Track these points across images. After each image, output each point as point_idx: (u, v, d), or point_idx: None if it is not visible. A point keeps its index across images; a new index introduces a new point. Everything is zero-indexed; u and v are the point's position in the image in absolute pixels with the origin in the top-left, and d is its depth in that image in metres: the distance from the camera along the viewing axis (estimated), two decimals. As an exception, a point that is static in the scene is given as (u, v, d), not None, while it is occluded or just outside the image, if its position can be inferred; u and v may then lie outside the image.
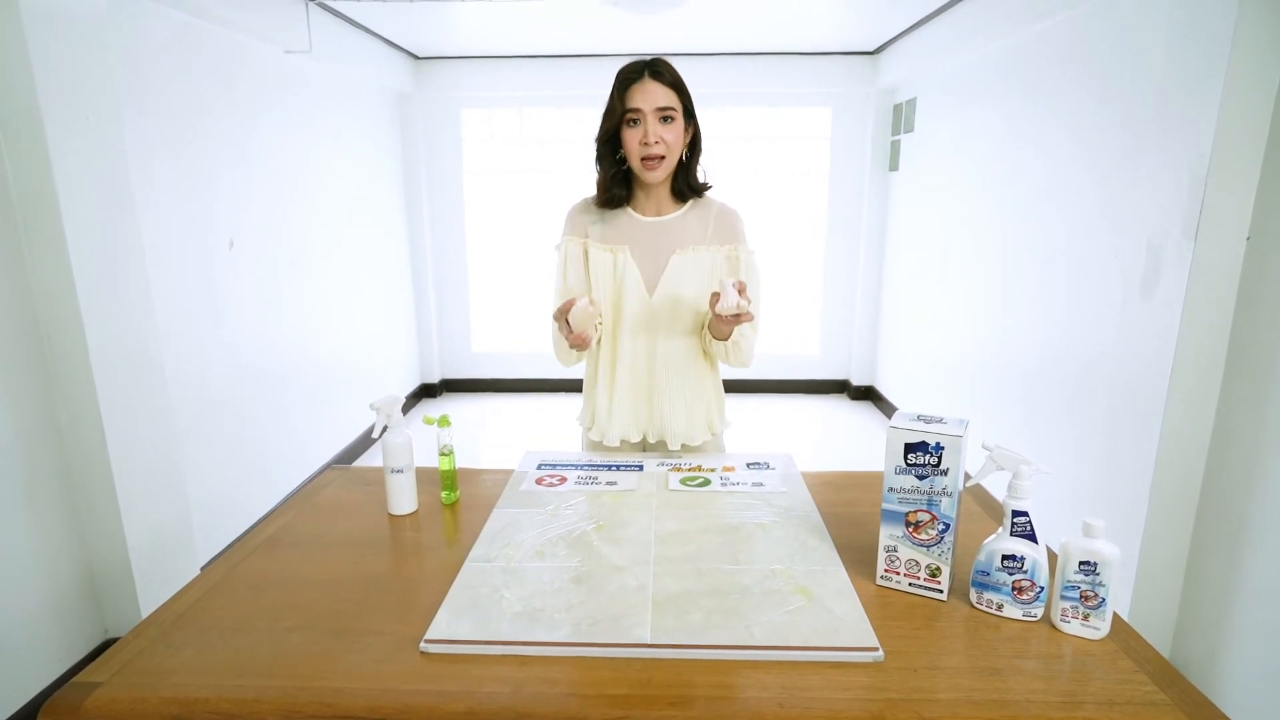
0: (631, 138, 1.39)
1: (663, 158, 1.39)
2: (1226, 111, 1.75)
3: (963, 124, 3.53)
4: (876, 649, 0.90)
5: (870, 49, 4.38)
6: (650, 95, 1.36)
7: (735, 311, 1.29)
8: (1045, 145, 2.76)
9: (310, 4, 3.11)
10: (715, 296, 1.33)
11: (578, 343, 1.38)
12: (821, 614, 0.97)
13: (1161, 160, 1.95)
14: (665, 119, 1.38)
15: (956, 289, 3.61)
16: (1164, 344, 1.92)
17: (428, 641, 0.92)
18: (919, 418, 1.01)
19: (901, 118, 4.39)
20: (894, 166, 4.53)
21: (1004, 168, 3.10)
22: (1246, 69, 1.72)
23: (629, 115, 1.38)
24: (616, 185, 1.46)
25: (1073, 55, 2.57)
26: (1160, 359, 1.93)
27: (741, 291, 1.29)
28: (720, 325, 1.38)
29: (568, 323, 1.33)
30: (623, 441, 1.55)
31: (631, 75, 1.38)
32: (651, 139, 1.37)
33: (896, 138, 4.48)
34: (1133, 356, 2.07)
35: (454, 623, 0.95)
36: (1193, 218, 1.83)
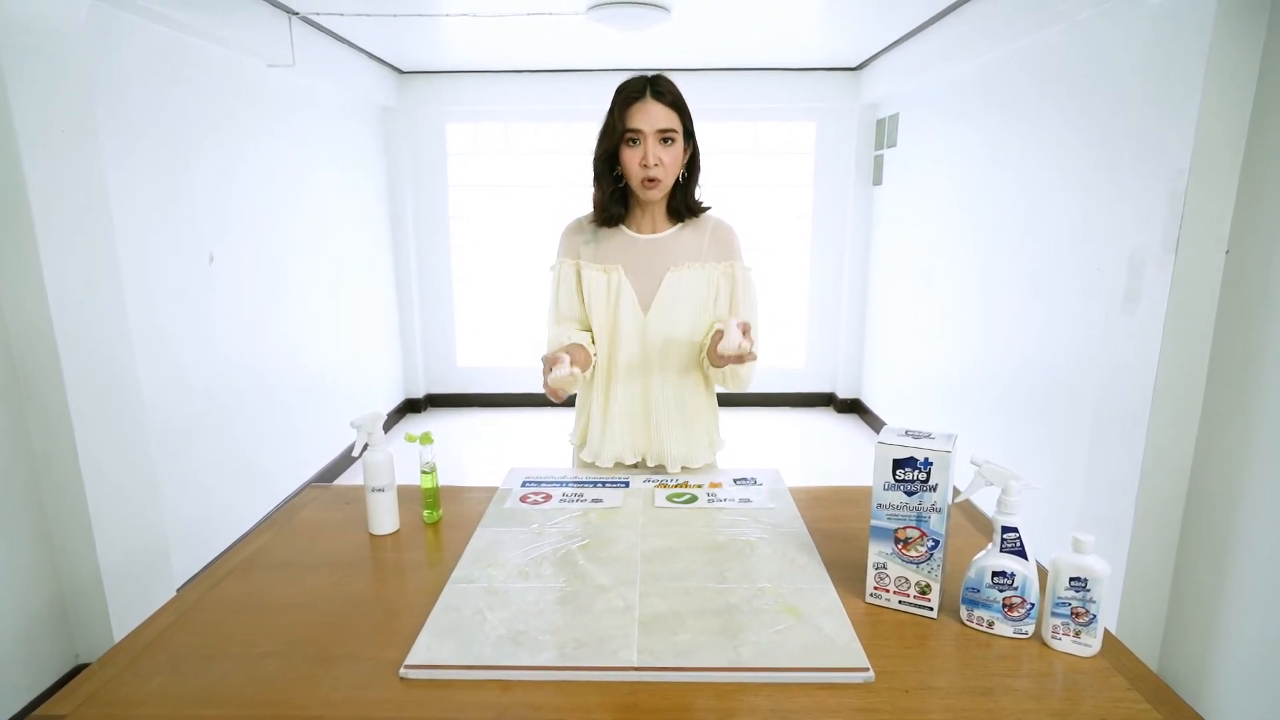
0: (631, 158, 1.36)
1: (660, 179, 1.37)
2: (1204, 128, 1.77)
3: (945, 139, 3.57)
4: (867, 669, 0.88)
5: (853, 65, 4.43)
6: (651, 116, 1.34)
7: (737, 353, 1.26)
8: (1027, 161, 2.79)
9: (293, 18, 3.09)
10: (719, 334, 1.30)
11: (551, 394, 1.34)
12: (811, 633, 0.95)
13: (1141, 176, 1.98)
14: (665, 140, 1.35)
15: (941, 302, 3.64)
16: (1147, 357, 1.93)
17: (408, 667, 0.89)
18: (907, 433, 1.00)
19: (884, 133, 4.43)
20: (878, 181, 4.57)
21: (986, 183, 3.13)
22: (1222, 86, 1.75)
23: (629, 135, 1.35)
24: (615, 204, 1.44)
25: (1052, 73, 2.61)
26: (1143, 372, 1.95)
27: (746, 332, 1.27)
28: (717, 355, 1.36)
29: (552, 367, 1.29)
30: (617, 464, 1.52)
31: (633, 94, 1.35)
32: (651, 161, 1.34)
33: (880, 152, 4.52)
34: (1116, 370, 2.08)
35: (435, 647, 0.93)
36: (1173, 232, 1.85)
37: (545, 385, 1.32)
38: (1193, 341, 1.88)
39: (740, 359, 1.29)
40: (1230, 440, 1.82)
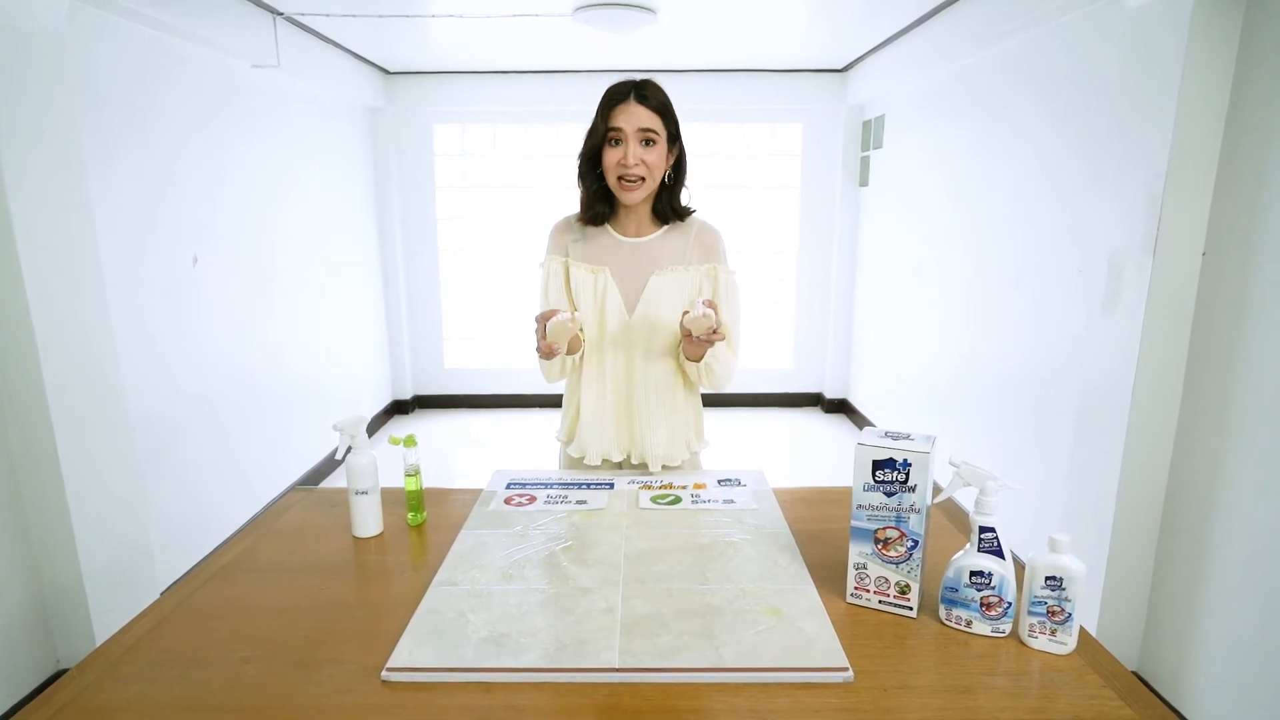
0: (611, 157, 1.38)
1: (642, 179, 1.38)
2: (1181, 131, 1.80)
3: (930, 141, 3.59)
4: (846, 669, 0.89)
5: (839, 66, 4.45)
6: (633, 117, 1.36)
7: (705, 324, 1.27)
8: (1010, 163, 2.82)
9: (278, 18, 3.08)
10: (685, 315, 1.33)
11: (545, 351, 1.37)
12: (792, 634, 0.96)
13: (1121, 178, 2.00)
14: (647, 141, 1.37)
15: (926, 303, 3.66)
16: (1126, 357, 1.96)
17: (390, 670, 0.89)
18: (886, 434, 1.01)
19: (871, 134, 4.45)
20: (864, 182, 4.59)
21: (971, 184, 3.16)
22: (1198, 91, 1.77)
23: (611, 135, 1.37)
24: (599, 203, 1.46)
25: (1034, 76, 2.63)
26: (1123, 372, 1.97)
27: (714, 311, 1.29)
28: (692, 346, 1.38)
29: (546, 328, 1.32)
30: (604, 461, 1.53)
31: (617, 96, 1.38)
32: (631, 161, 1.36)
33: (866, 154, 4.55)
34: (1097, 370, 2.10)
35: (417, 649, 0.93)
36: (1151, 234, 1.87)
37: (539, 339, 1.34)
38: (1171, 342, 1.90)
39: (709, 339, 1.31)
40: (1207, 439, 1.84)
